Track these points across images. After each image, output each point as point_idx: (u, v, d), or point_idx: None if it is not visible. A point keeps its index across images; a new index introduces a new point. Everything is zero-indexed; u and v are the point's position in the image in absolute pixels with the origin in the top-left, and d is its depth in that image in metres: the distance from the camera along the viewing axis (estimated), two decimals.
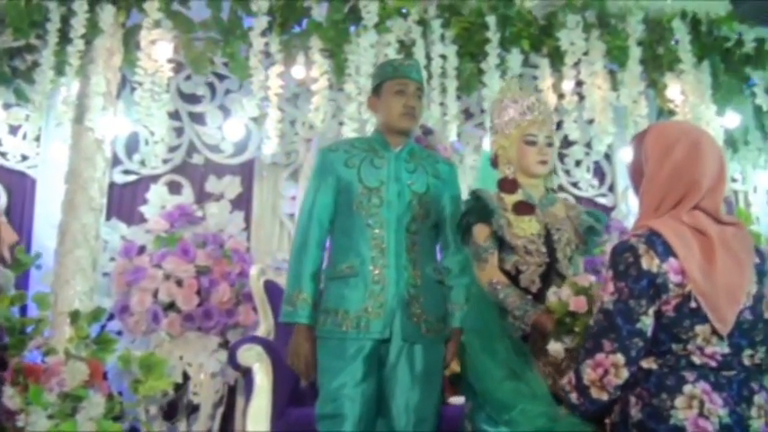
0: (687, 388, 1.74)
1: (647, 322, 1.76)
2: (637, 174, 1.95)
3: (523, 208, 2.54)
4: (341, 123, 4.54)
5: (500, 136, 2.62)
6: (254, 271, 4.17)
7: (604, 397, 1.79)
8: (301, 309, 2.56)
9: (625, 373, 1.77)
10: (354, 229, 2.59)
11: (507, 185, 2.58)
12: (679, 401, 1.73)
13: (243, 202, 4.85)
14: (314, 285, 2.59)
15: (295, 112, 4.94)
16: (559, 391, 1.92)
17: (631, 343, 1.76)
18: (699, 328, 1.75)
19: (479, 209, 2.53)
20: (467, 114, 5.13)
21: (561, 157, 5.23)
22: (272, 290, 4.15)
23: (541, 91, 4.51)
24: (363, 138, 3.07)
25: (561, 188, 5.09)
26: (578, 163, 5.36)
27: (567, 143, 4.99)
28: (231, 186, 4.86)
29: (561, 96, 4.72)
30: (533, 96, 2.64)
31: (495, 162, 2.64)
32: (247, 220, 4.82)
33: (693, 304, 1.74)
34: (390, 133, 2.68)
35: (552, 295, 2.15)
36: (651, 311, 1.76)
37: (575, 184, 5.36)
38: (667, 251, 1.75)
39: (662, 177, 1.84)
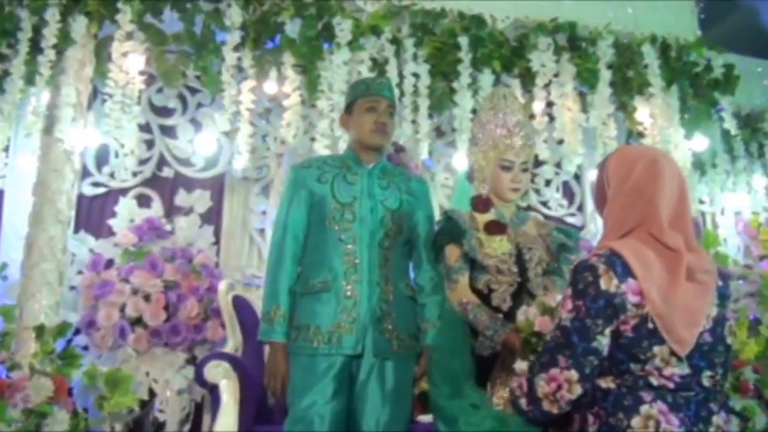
0: (644, 408, 1.75)
1: (602, 342, 1.77)
2: (600, 197, 1.97)
3: (495, 228, 2.56)
4: (313, 139, 4.53)
5: (478, 151, 2.64)
6: (222, 286, 4.17)
7: (555, 410, 1.80)
8: (279, 326, 2.56)
9: (578, 389, 1.78)
10: (327, 244, 2.60)
11: (480, 204, 2.60)
12: (635, 421, 1.74)
13: (213, 217, 4.85)
14: (291, 301, 2.59)
15: (267, 128, 4.94)
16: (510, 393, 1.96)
17: (586, 360, 1.77)
18: (657, 349, 1.77)
19: (451, 229, 2.55)
20: (438, 132, 5.15)
21: (532, 177, 4.96)
22: (240, 305, 4.13)
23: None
24: (336, 155, 3.10)
25: (531, 207, 5.11)
26: (548, 182, 5.42)
27: (537, 163, 4.62)
28: (201, 200, 4.85)
29: (532, 117, 4.72)
30: (518, 115, 2.64)
31: (471, 176, 2.68)
32: (217, 234, 4.82)
33: (651, 325, 1.76)
34: (363, 150, 2.70)
35: (521, 315, 2.15)
36: (607, 331, 1.78)
37: (544, 204, 5.40)
38: (626, 272, 1.77)
39: (622, 197, 1.86)
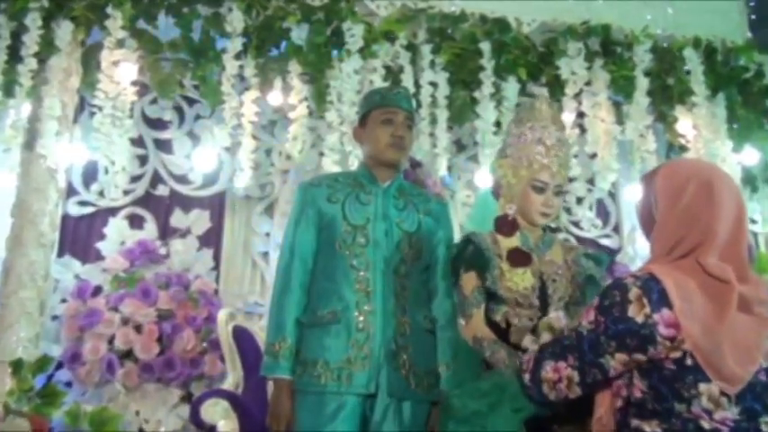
0: None
1: (610, 362, 1.80)
2: (646, 217, 1.95)
3: (519, 258, 2.52)
4: (321, 154, 4.50)
5: (508, 166, 2.61)
6: (222, 315, 4.06)
7: (551, 396, 1.89)
8: (284, 360, 2.48)
9: (577, 391, 1.85)
10: (337, 270, 2.55)
11: (506, 227, 2.57)
12: None
13: (212, 239, 4.82)
14: (299, 333, 2.52)
15: (271, 142, 4.93)
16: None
17: (590, 370, 1.83)
18: (703, 387, 1.73)
19: (471, 256, 2.53)
20: (458, 146, 5.12)
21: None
22: (242, 337, 4.01)
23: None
24: (348, 172, 3.05)
25: (562, 228, 5.09)
26: (580, 200, 5.35)
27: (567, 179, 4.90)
28: (199, 221, 4.83)
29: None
30: (558, 132, 2.60)
31: (497, 192, 2.66)
32: (216, 258, 4.78)
33: (690, 361, 1.74)
34: (377, 166, 2.66)
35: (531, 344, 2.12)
36: (618, 356, 1.79)
37: (576, 224, 5.33)
38: (662, 300, 1.75)
39: (672, 222, 1.83)
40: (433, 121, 4.54)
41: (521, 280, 2.49)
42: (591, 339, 1.81)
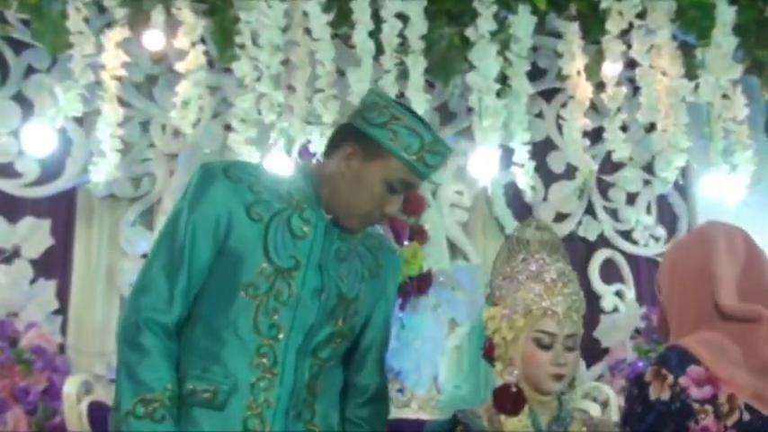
0: None
1: None
2: (660, 322, 2.22)
3: None
4: (227, 128, 4.12)
5: (501, 317, 2.55)
6: (71, 387, 3.65)
7: None
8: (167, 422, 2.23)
9: None
10: (230, 328, 2.30)
11: (508, 403, 2.50)
12: None
13: (55, 265, 4.35)
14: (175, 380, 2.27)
15: (148, 109, 4.45)
16: None
17: None
18: None
19: None
20: (443, 114, 4.65)
21: (604, 188, 4.72)
22: (100, 419, 3.57)
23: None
24: (285, 176, 2.71)
25: (604, 239, 4.67)
26: (632, 199, 4.81)
27: (610, 165, 4.51)
28: (34, 237, 4.34)
29: (600, 86, 4.29)
30: (559, 264, 2.56)
31: (489, 353, 2.60)
32: (63, 296, 4.30)
33: (747, 416, 1.82)
34: (332, 197, 2.48)
35: None
36: None
37: (626, 235, 4.77)
38: (685, 361, 1.87)
39: (676, 294, 2.07)
40: (403, 75, 4.10)
41: None
42: None
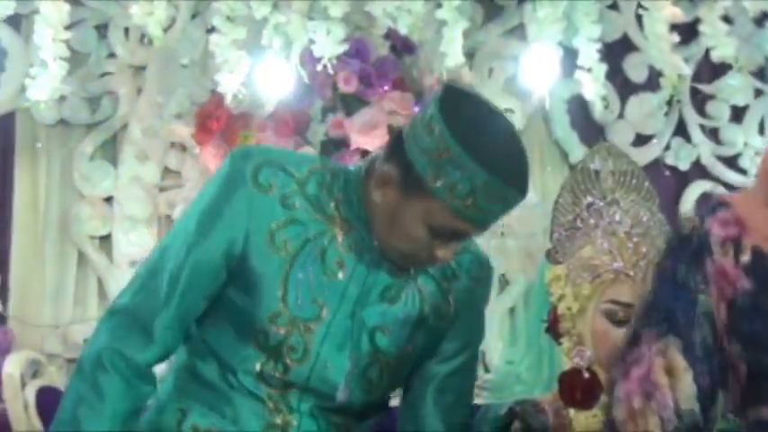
0: None
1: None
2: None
3: None
4: (210, 30, 3.72)
5: (565, 280, 2.36)
6: (12, 367, 3.68)
7: None
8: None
9: None
10: (240, 371, 2.04)
11: (578, 394, 2.32)
12: None
13: None
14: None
15: (106, 8, 4.07)
16: None
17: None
18: None
19: None
20: (488, 7, 4.21)
21: (700, 101, 4.27)
22: (51, 408, 2.95)
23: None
24: (339, 172, 2.26)
25: (699, 170, 4.23)
26: (738, 115, 4.32)
27: (708, 70, 4.13)
28: None
29: None
30: (638, 207, 2.37)
31: (554, 326, 2.38)
32: (1, 252, 4.10)
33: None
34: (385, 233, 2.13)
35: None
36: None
37: (729, 161, 4.33)
38: (716, 207, 1.84)
39: None
40: None
41: None
42: None
